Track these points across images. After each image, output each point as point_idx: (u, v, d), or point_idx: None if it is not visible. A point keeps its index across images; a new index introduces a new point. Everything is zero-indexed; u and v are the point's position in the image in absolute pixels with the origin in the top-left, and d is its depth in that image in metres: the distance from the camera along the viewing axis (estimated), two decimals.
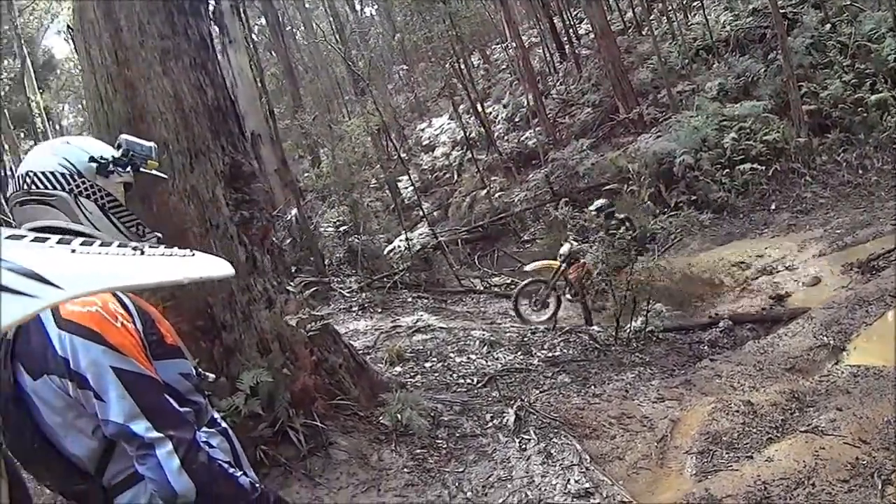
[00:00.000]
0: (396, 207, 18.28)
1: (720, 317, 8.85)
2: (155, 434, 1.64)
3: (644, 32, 21.92)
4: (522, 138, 20.57)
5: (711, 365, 7.00)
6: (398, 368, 7.62)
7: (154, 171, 1.99)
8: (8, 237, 0.53)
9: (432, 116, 27.76)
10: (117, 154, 1.94)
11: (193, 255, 0.63)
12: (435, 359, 7.92)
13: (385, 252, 14.46)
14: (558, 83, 23.69)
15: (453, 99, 24.17)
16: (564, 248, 10.57)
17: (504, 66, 27.52)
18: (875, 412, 4.96)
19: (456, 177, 22.20)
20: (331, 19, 31.11)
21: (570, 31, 25.53)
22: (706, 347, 8.04)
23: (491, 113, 23.91)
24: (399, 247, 14.43)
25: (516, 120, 22.09)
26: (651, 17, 22.37)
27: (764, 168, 14.08)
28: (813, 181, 13.72)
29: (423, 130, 26.66)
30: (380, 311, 11.49)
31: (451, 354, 8.03)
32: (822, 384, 5.88)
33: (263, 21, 30.07)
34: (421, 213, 18.48)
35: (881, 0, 16.25)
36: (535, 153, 19.16)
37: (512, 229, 17.41)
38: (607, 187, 15.27)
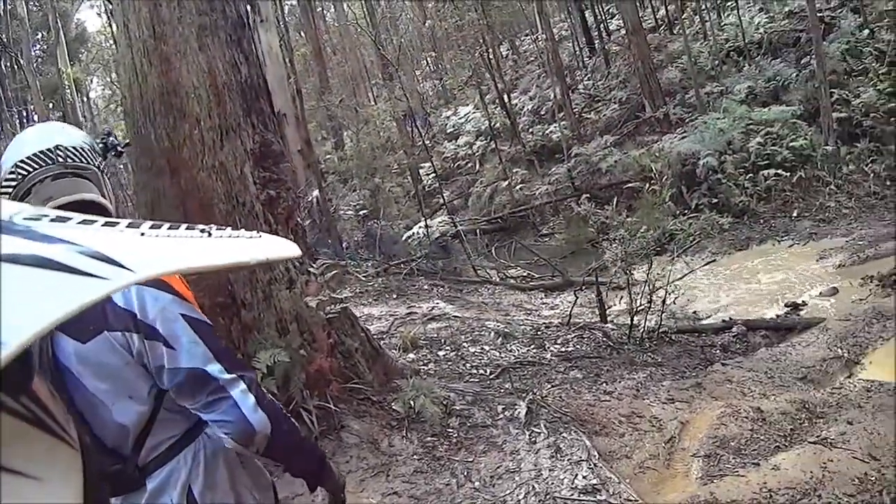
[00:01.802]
0: (417, 194, 18.27)
1: (734, 321, 8.70)
2: (228, 375, 1.69)
3: (675, 31, 21.73)
4: (547, 132, 20.48)
5: (723, 370, 6.94)
6: (412, 355, 7.64)
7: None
8: (80, 222, 0.55)
9: (458, 105, 27.60)
10: (107, 140, 2.02)
11: (260, 236, 0.65)
12: (449, 347, 7.92)
13: (403, 238, 14.53)
14: (586, 78, 23.60)
15: (480, 88, 24.08)
16: None
17: (533, 58, 27.38)
18: (887, 428, 4.89)
19: (478, 166, 22.13)
20: (362, 2, 30.99)
21: (601, 25, 25.35)
22: (718, 352, 7.92)
23: (517, 104, 23.78)
24: (417, 234, 14.56)
25: (542, 113, 21.98)
26: (684, 16, 22.22)
27: (788, 174, 13.98)
28: (838, 190, 13.62)
29: (448, 118, 26.54)
30: (395, 296, 11.53)
31: (465, 344, 8.03)
32: (833, 396, 5.83)
33: (295, 1, 30.20)
34: (441, 200, 18.52)
35: None
36: (559, 147, 19.05)
37: (531, 222, 17.37)
38: (629, 185, 15.16)
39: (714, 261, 12.15)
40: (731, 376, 6.70)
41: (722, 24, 20.83)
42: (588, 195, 15.97)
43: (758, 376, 6.65)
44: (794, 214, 13.40)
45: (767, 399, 5.93)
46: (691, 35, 20.85)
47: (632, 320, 8.45)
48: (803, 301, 9.44)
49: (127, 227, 0.57)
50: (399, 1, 35.64)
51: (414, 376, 5.98)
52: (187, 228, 0.60)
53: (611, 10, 26.23)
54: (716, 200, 14.04)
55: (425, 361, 7.47)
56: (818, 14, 16.23)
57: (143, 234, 0.56)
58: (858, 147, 14.22)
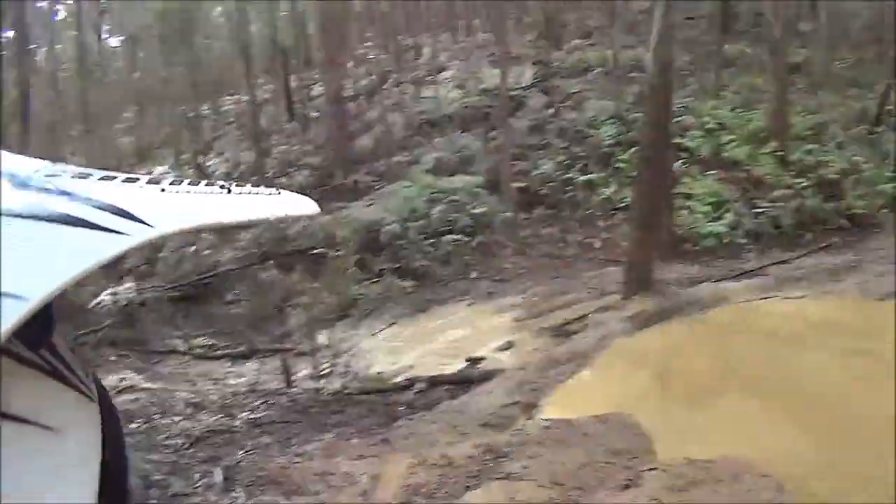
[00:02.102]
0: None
1: (416, 379, 8.79)
2: None
3: (375, 100, 21.90)
4: None
5: (408, 424, 7.07)
6: None
7: None
8: (101, 178, 0.55)
9: (156, 163, 25.82)
10: None
11: (279, 193, 0.63)
12: (140, 420, 7.86)
13: (90, 305, 13.39)
14: (283, 143, 22.95)
15: (177, 147, 22.66)
16: None
17: (232, 119, 26.40)
18: (567, 457, 5.27)
19: None
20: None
21: (304, 90, 25.07)
22: (403, 408, 8.00)
23: (210, 166, 22.73)
24: (105, 301, 13.52)
25: (235, 176, 20.82)
26: (384, 87, 22.60)
27: (469, 239, 14.29)
28: (514, 253, 14.12)
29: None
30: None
31: (156, 416, 8.10)
32: (515, 437, 6.01)
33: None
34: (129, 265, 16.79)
35: (608, 89, 17.47)
36: None
37: (217, 290, 16.11)
38: (314, 251, 14.81)
39: (395, 323, 12.13)
40: (416, 430, 6.82)
41: (420, 97, 21.38)
42: (273, 261, 15.32)
43: (442, 427, 6.75)
44: (474, 276, 13.61)
45: (453, 446, 6.05)
46: (390, 106, 21.18)
47: (317, 383, 8.67)
48: (482, 356, 9.41)
49: (147, 182, 0.57)
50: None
51: None
52: (207, 184, 0.60)
53: (314, 76, 26.06)
54: (398, 266, 14.02)
55: None
56: (510, 93, 17.09)
57: (163, 190, 0.57)
58: (535, 213, 14.95)
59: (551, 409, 6.74)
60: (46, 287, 0.41)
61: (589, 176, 15.07)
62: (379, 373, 9.73)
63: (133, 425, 7.57)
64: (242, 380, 10.46)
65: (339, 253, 14.47)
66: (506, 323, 10.84)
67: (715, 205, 13.50)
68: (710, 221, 13.16)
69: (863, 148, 14.33)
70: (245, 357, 11.93)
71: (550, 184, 15.29)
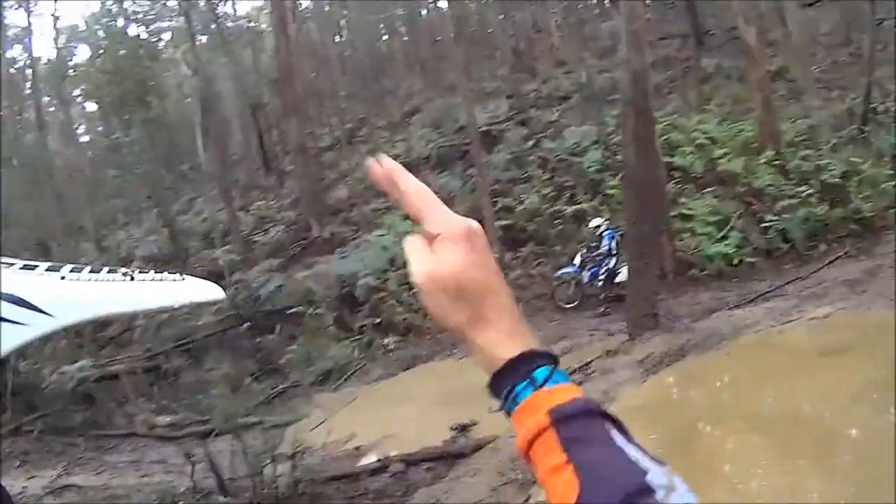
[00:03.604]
0: (67, 332, 15.24)
1: (390, 460, 7.48)
2: None
3: (350, 149, 21.25)
4: (213, 256, 18.49)
5: None
6: None
7: None
8: None
9: (134, 227, 25.55)
10: None
11: (184, 279, 0.62)
12: None
13: (44, 386, 12.50)
14: (259, 198, 22.22)
15: (155, 210, 22.17)
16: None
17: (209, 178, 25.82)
18: None
19: None
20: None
21: (280, 145, 24.44)
22: (369, 501, 6.80)
23: (189, 226, 22.12)
24: (52, 381, 12.50)
25: (213, 236, 20.03)
26: (361, 134, 22.11)
27: None
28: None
29: (121, 242, 23.98)
30: (18, 464, 10.21)
31: None
32: None
33: None
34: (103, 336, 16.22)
35: (588, 115, 16.71)
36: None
37: (195, 356, 15.13)
38: (291, 310, 14.04)
39: (376, 384, 11.30)
40: None
41: (395, 140, 20.69)
42: (250, 324, 14.50)
43: None
44: None
45: None
46: (365, 152, 20.44)
47: (255, 477, 7.07)
48: (472, 420, 8.20)
49: (47, 270, 0.56)
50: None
51: None
52: (109, 271, 0.58)
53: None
54: (379, 320, 13.15)
55: None
56: (486, 127, 16.67)
57: (63, 278, 0.55)
58: (523, 251, 13.99)
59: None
60: None
61: (578, 206, 14.12)
62: (357, 448, 8.64)
63: None
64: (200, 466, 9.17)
65: (317, 311, 13.67)
66: None
67: (718, 224, 12.53)
68: (714, 242, 12.19)
69: (857, 148, 13.53)
70: (209, 435, 10.48)
71: (538, 218, 14.36)
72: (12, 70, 30.18)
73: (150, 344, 16.56)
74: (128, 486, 8.67)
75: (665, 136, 13.36)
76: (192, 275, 0.60)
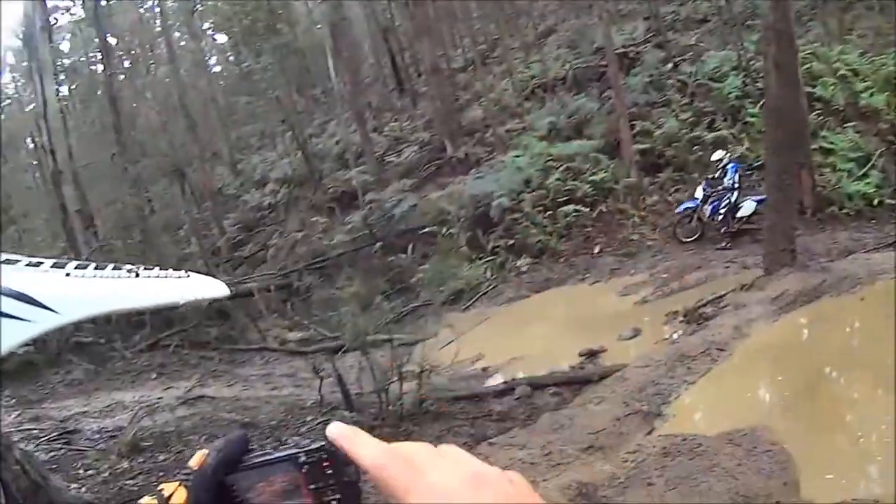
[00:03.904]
0: (203, 251, 16.38)
1: (517, 382, 7.53)
2: None
3: (483, 70, 21.12)
4: (347, 177, 19.09)
5: (490, 450, 5.63)
6: (126, 464, 6.68)
7: None
8: (3, 261, 0.54)
9: (267, 150, 26.32)
10: None
11: (188, 276, 0.63)
12: (175, 448, 6.99)
13: (181, 304, 12.60)
14: (393, 119, 22.54)
15: (287, 133, 22.74)
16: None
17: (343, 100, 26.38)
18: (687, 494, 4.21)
19: (282, 216, 20.47)
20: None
21: (413, 67, 24.56)
22: (493, 423, 6.78)
23: (322, 148, 22.72)
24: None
25: (346, 157, 20.65)
26: (495, 55, 21.75)
27: (589, 209, 13.25)
28: (642, 222, 12.99)
29: (255, 166, 24.99)
30: (155, 376, 10.67)
31: (198, 443, 6.97)
32: (623, 468, 4.96)
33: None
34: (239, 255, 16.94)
35: (727, 39, 16.01)
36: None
37: (327, 275, 15.81)
38: (424, 230, 14.27)
39: (507, 306, 11.37)
40: (498, 458, 5.38)
41: (529, 61, 20.32)
42: (383, 243, 14.90)
43: (532, 455, 5.47)
44: (596, 251, 12.62)
45: (537, 485, 4.69)
46: (499, 73, 20.33)
47: (382, 394, 7.24)
48: (601, 347, 8.36)
49: (52, 267, 0.57)
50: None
51: None
52: (114, 269, 0.60)
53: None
54: (512, 242, 13.17)
55: (136, 473, 6.49)
56: (623, 49, 16.15)
57: (67, 275, 0.56)
58: (661, 177, 13.74)
59: (674, 422, 5.72)
60: None
61: (717, 133, 13.66)
62: (484, 369, 8.85)
63: (161, 456, 6.95)
64: (326, 381, 9.27)
65: (450, 231, 13.88)
66: (631, 305, 9.91)
67: (858, 161, 12.02)
68: (854, 180, 11.68)
69: None
70: (338, 351, 10.57)
71: (675, 143, 13.97)
72: (142, 10, 31.21)
73: (283, 262, 17.34)
74: (258, 397, 8.94)
75: (806, 66, 12.72)
76: (196, 271, 0.62)
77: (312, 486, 0.59)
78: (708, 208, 11.87)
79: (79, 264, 0.57)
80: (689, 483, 4.49)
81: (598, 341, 8.50)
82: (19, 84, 32.93)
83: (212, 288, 0.64)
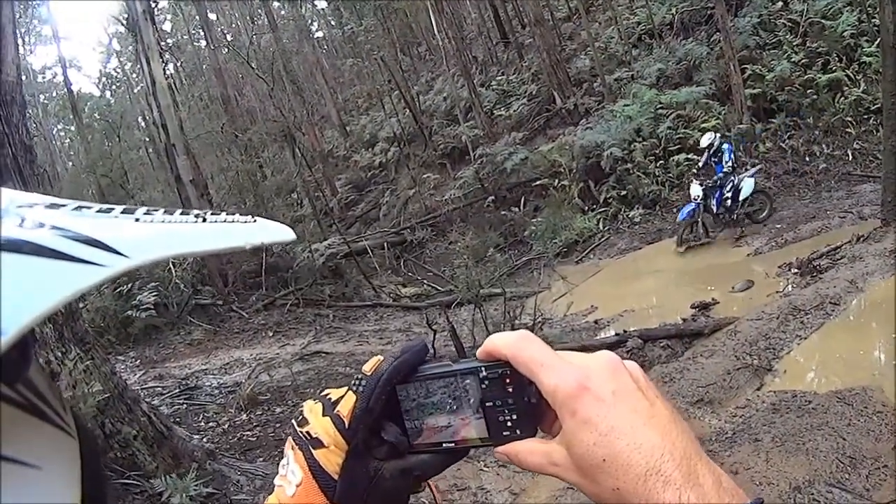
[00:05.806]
0: (316, 213, 17.11)
1: (629, 334, 7.62)
2: None
3: (589, 18, 20.89)
4: (456, 132, 19.45)
5: None
6: (244, 416, 6.96)
7: None
8: (74, 209, 0.53)
9: (375, 111, 26.74)
10: None
11: (255, 220, 0.58)
12: (292, 402, 7.27)
13: (296, 265, 13.42)
14: (499, 73, 22.62)
15: (394, 93, 23.03)
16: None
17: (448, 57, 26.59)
18: (782, 471, 4.22)
19: (393, 174, 21.08)
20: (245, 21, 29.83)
21: (516, 19, 24.47)
22: None
23: (430, 105, 23.01)
24: (308, 257, 13.36)
25: (454, 113, 20.99)
26: (599, 2, 21.48)
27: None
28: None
29: (364, 126, 25.52)
30: (272, 334, 11.10)
31: (316, 394, 7.22)
32: (731, 423, 5.10)
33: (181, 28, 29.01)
34: (357, 213, 17.50)
35: None
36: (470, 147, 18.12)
37: (440, 230, 16.31)
38: (537, 182, 14.42)
39: (620, 258, 11.49)
40: None
41: (634, 7, 19.98)
42: (494, 197, 15.19)
43: None
44: None
45: None
46: (604, 21, 20.10)
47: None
48: (713, 299, 8.45)
49: (122, 213, 0.57)
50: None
51: (209, 459, 4.88)
52: (182, 213, 0.58)
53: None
54: (624, 192, 13.19)
55: (254, 425, 6.79)
56: None
57: (137, 220, 0.56)
58: (774, 123, 13.41)
59: (785, 378, 5.76)
60: (21, 320, 0.40)
61: (832, 75, 13.14)
62: (596, 322, 8.93)
63: (279, 409, 7.19)
64: (444, 335, 9.55)
65: (561, 183, 14.02)
66: (743, 257, 9.91)
67: None
68: None
69: None
70: (459, 304, 10.74)
71: (788, 87, 13.55)
72: None
73: (396, 220, 17.86)
74: (372, 352, 8.80)
75: None
76: (260, 216, 0.60)
77: (489, 404, 0.60)
78: (713, 202, 10.98)
79: (148, 210, 0.57)
80: (795, 441, 4.56)
81: (710, 294, 8.63)
82: (126, 67, 34.58)
83: (278, 232, 0.62)
